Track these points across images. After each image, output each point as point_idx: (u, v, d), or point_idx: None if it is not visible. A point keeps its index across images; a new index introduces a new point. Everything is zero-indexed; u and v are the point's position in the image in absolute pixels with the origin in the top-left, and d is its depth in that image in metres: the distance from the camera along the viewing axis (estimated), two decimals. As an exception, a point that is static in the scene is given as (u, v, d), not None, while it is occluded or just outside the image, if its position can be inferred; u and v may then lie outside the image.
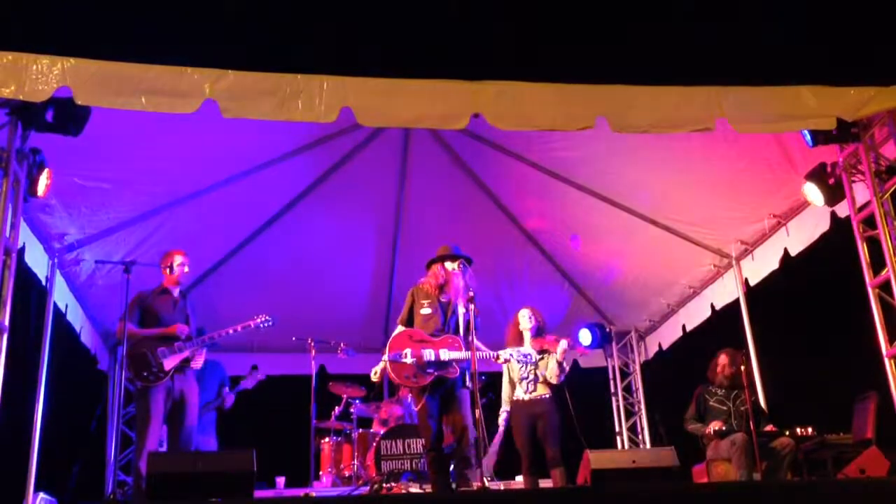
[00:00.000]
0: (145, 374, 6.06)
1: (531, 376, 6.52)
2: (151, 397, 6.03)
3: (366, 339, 10.26)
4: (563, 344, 6.48)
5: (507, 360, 6.37)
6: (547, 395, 6.49)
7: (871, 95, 5.51)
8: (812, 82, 5.56)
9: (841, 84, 5.55)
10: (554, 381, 6.48)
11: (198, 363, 6.33)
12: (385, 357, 5.97)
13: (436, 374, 5.80)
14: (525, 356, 6.54)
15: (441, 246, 6.21)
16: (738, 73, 5.59)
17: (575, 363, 9.60)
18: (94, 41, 5.07)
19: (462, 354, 5.78)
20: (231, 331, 6.39)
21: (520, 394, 6.50)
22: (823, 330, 8.48)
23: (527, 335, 6.67)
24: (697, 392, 6.95)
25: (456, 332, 5.87)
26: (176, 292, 6.47)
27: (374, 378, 6.32)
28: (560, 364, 6.46)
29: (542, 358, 6.59)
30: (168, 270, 6.42)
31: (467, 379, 5.83)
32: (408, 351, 5.86)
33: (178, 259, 6.42)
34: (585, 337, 9.14)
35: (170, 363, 6.12)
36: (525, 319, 6.70)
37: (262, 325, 6.54)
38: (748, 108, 5.43)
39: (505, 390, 6.68)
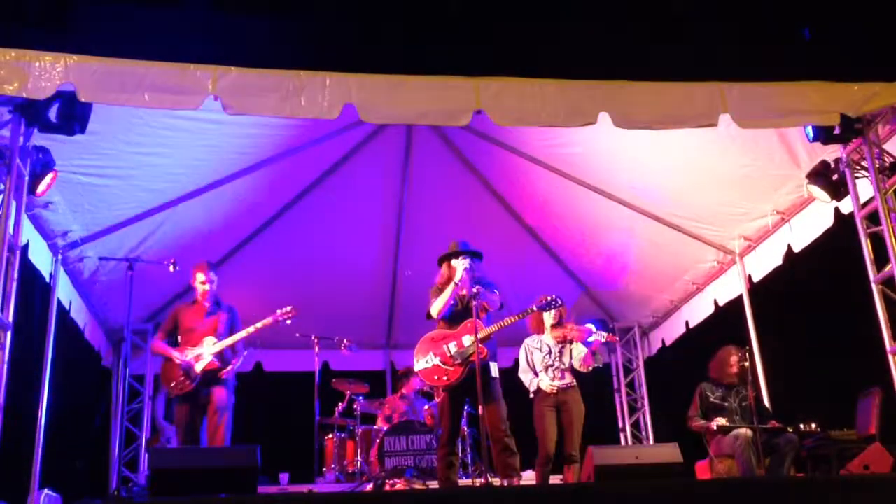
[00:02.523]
0: (173, 383, 6.32)
1: (556, 363, 6.47)
2: (180, 405, 6.37)
3: (369, 335, 10.30)
4: (593, 330, 6.45)
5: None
6: (573, 384, 6.41)
7: (874, 91, 5.51)
8: (816, 78, 5.55)
9: (845, 80, 5.55)
10: (581, 368, 6.42)
11: (229, 373, 6.49)
12: (416, 370, 6.13)
13: (465, 365, 5.83)
14: (548, 352, 6.50)
15: (451, 242, 6.23)
16: (741, 69, 5.57)
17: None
18: (97, 38, 5.07)
19: (485, 331, 5.83)
20: (252, 329, 6.46)
21: (545, 382, 6.43)
22: (827, 326, 8.47)
23: (548, 324, 6.60)
24: (699, 389, 6.95)
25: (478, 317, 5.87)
26: (207, 302, 6.61)
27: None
28: (594, 353, 6.40)
29: (564, 346, 6.53)
30: (194, 283, 6.63)
31: (494, 368, 5.91)
32: (430, 354, 5.97)
33: (198, 277, 6.60)
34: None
35: (195, 372, 6.28)
36: (548, 314, 6.56)
37: (282, 318, 6.60)
38: (751, 104, 5.43)
39: (526, 378, 6.54)
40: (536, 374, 6.45)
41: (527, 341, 6.63)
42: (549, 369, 6.44)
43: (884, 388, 6.14)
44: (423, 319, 6.29)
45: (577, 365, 6.43)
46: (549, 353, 6.48)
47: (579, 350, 6.45)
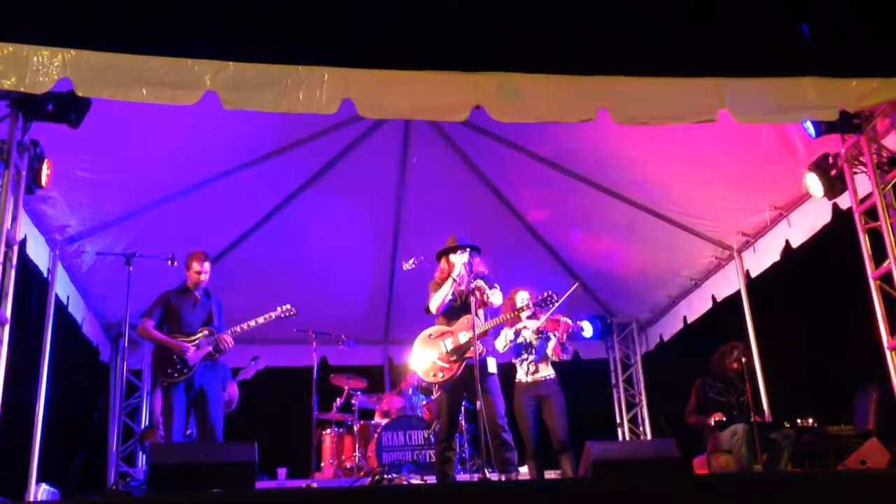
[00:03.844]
0: (169, 370, 6.20)
1: (532, 357, 6.43)
2: (173, 393, 6.20)
3: (367, 330, 10.31)
4: (587, 326, 6.44)
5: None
6: (551, 376, 6.36)
7: (873, 87, 5.50)
8: (814, 73, 5.55)
9: (843, 75, 5.55)
10: (554, 358, 6.40)
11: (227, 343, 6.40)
12: (413, 368, 6.18)
13: (461, 361, 5.83)
14: (527, 344, 6.48)
15: (449, 237, 6.22)
16: (740, 65, 5.57)
17: (576, 354, 9.61)
18: (94, 32, 5.06)
19: (482, 327, 5.85)
20: (253, 323, 6.45)
21: (521, 375, 6.41)
22: (825, 322, 8.49)
23: (524, 316, 6.54)
24: (697, 384, 6.97)
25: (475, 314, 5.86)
26: (198, 291, 6.53)
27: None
28: (562, 344, 6.37)
29: (539, 337, 6.47)
30: (189, 272, 6.52)
31: (492, 364, 5.93)
32: (427, 351, 5.95)
33: (195, 266, 6.49)
34: (587, 328, 9.17)
35: (193, 359, 6.21)
36: (523, 302, 6.53)
37: (283, 316, 6.60)
38: (750, 100, 5.43)
39: (500, 344, 6.50)
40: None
41: (505, 331, 6.56)
42: (524, 363, 6.43)
43: (881, 384, 6.14)
44: (421, 315, 6.30)
45: (550, 355, 6.40)
46: (525, 345, 6.46)
47: (553, 341, 6.41)
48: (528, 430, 6.27)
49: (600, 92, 5.39)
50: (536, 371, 6.39)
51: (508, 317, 6.31)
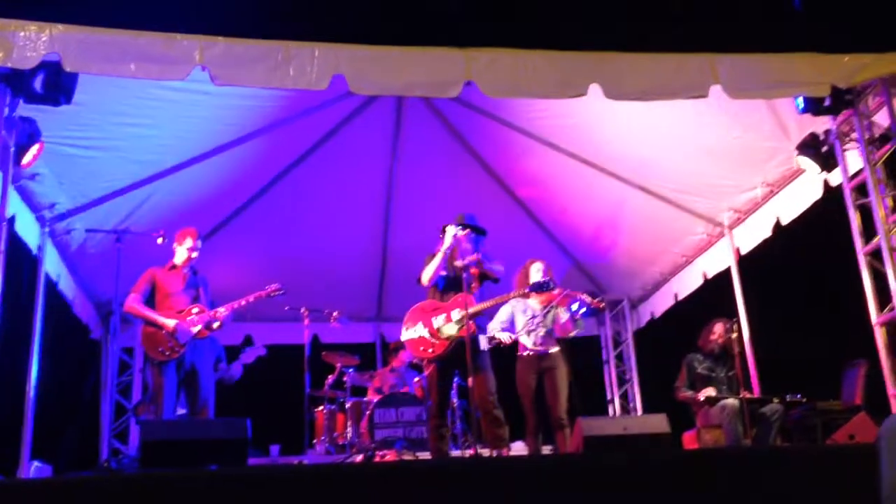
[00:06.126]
0: (160, 349, 6.12)
1: (538, 328, 6.33)
2: (164, 372, 6.11)
3: (359, 307, 10.31)
4: (579, 296, 6.36)
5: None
6: (555, 350, 6.31)
7: (865, 62, 5.51)
8: (806, 49, 5.54)
9: (835, 51, 5.54)
10: (559, 334, 6.30)
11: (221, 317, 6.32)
12: (403, 337, 6.11)
13: (452, 338, 5.82)
14: (532, 316, 6.40)
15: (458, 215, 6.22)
16: (732, 40, 5.56)
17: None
18: (83, 6, 5.01)
19: (475, 307, 5.82)
20: (244, 302, 6.40)
21: (526, 347, 6.31)
22: (814, 297, 8.53)
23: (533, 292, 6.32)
24: (687, 360, 7.00)
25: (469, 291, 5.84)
26: (186, 269, 6.44)
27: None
28: (576, 321, 6.27)
29: (549, 311, 6.40)
30: (179, 248, 6.42)
31: (484, 341, 5.91)
32: (419, 325, 5.95)
33: (187, 243, 6.38)
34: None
35: (184, 337, 6.15)
36: (537, 273, 6.41)
37: (273, 295, 6.58)
38: (742, 75, 5.42)
39: (495, 327, 6.36)
40: (514, 334, 6.34)
41: (513, 302, 6.46)
42: (531, 333, 6.37)
43: (870, 359, 6.19)
44: (413, 293, 6.30)
45: (557, 329, 6.32)
46: (533, 317, 6.41)
47: (562, 315, 6.33)
48: (530, 404, 6.20)
49: (592, 68, 5.38)
50: (543, 343, 6.32)
51: (521, 293, 6.18)
